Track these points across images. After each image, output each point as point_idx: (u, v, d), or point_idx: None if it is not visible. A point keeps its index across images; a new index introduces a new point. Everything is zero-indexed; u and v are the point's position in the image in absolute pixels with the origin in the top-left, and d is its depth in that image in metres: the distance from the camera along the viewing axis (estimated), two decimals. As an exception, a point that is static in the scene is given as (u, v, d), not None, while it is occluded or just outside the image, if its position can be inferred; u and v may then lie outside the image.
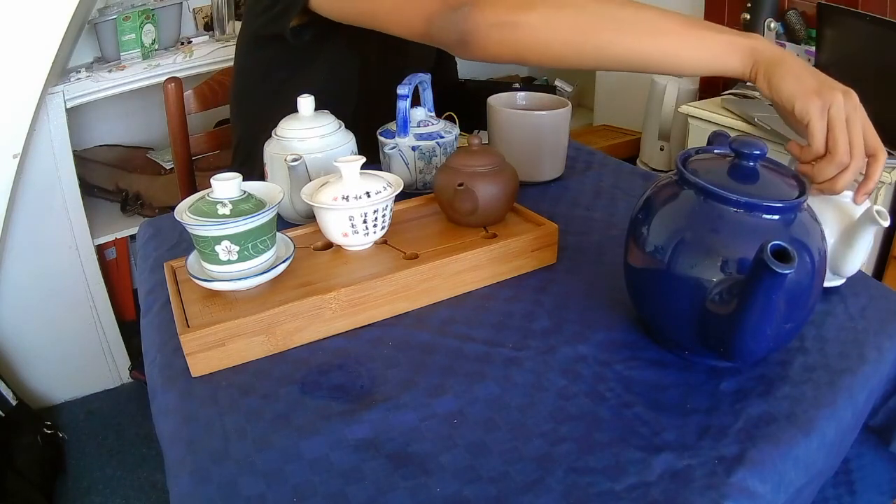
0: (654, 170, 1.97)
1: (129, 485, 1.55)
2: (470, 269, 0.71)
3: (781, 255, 0.45)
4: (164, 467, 0.55)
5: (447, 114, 0.98)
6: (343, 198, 0.69)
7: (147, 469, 1.58)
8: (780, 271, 0.44)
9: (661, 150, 1.98)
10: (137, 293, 0.90)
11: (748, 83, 1.81)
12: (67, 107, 1.55)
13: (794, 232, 0.54)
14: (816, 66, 1.58)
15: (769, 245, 0.45)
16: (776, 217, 0.54)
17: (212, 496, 0.49)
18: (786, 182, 0.58)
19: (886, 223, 0.61)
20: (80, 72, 1.62)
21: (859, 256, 0.65)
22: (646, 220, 0.59)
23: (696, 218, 0.55)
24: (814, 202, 0.67)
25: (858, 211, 0.65)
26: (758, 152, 0.56)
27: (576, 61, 0.72)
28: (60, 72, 1.61)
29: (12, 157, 1.44)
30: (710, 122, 1.61)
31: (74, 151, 1.62)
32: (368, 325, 0.67)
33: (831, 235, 0.66)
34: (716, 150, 0.62)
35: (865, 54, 1.44)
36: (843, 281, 0.70)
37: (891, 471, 0.70)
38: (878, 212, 0.62)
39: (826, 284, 0.69)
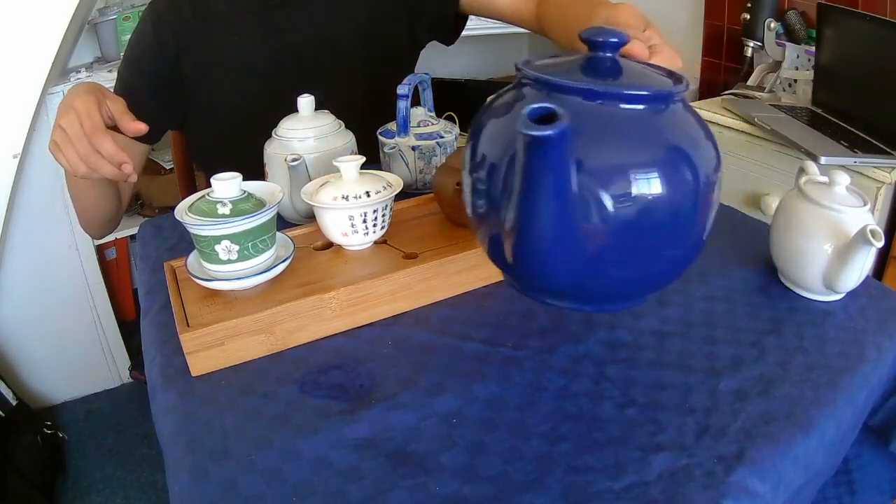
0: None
1: (129, 485, 1.55)
2: (469, 269, 0.71)
3: (546, 119, 0.36)
4: (164, 467, 0.56)
5: (447, 114, 0.98)
6: (343, 197, 0.69)
7: (147, 469, 1.58)
8: (536, 134, 0.35)
9: (661, 150, 1.98)
10: (137, 293, 0.90)
11: (748, 84, 1.80)
12: (67, 107, 1.55)
13: (667, 131, 0.44)
14: (816, 65, 1.59)
15: (527, 109, 0.36)
16: (641, 107, 0.44)
17: (211, 495, 0.49)
18: (656, 74, 0.49)
19: (880, 244, 0.60)
20: (80, 72, 1.62)
21: (855, 275, 0.64)
22: (479, 135, 0.48)
23: None
24: (808, 217, 0.67)
25: (853, 228, 0.64)
26: (614, 40, 0.47)
27: None
28: (60, 72, 1.61)
29: (12, 157, 1.44)
30: (710, 122, 1.61)
31: (74, 151, 1.62)
32: (368, 324, 0.67)
33: (825, 251, 0.65)
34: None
35: (865, 54, 1.44)
36: (840, 296, 0.70)
37: (891, 471, 0.70)
38: (871, 231, 0.61)
39: (823, 299, 0.69)
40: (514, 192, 0.39)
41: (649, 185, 0.42)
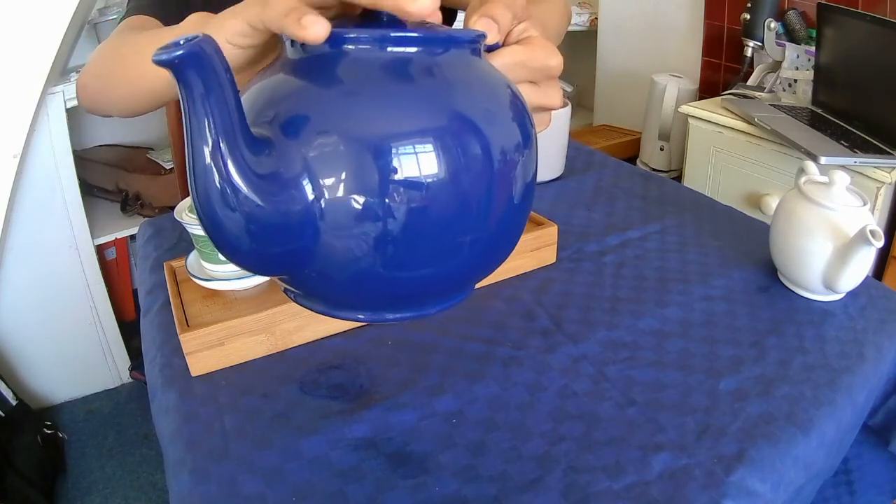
0: (655, 170, 1.97)
1: (129, 485, 1.55)
2: (469, 269, 0.71)
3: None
4: (163, 467, 0.56)
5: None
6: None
7: (147, 469, 1.58)
8: (166, 57, 0.27)
9: (661, 150, 1.98)
10: (137, 293, 0.90)
11: (748, 84, 1.79)
12: (67, 107, 1.55)
13: (444, 79, 0.33)
14: (816, 65, 1.59)
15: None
16: (413, 50, 0.33)
17: (211, 495, 0.49)
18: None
19: (880, 244, 0.60)
20: (80, 72, 1.62)
21: (854, 275, 0.64)
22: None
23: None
24: (808, 217, 0.67)
25: (853, 228, 0.64)
26: None
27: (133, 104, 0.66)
28: (60, 72, 1.61)
29: (12, 157, 1.44)
30: (710, 122, 1.61)
31: (74, 151, 1.62)
32: (368, 324, 0.67)
33: (825, 251, 0.65)
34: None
35: (865, 54, 1.44)
36: (840, 296, 0.70)
37: (890, 471, 0.70)
38: (871, 231, 0.60)
39: (823, 299, 0.69)
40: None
41: (467, 144, 0.32)
